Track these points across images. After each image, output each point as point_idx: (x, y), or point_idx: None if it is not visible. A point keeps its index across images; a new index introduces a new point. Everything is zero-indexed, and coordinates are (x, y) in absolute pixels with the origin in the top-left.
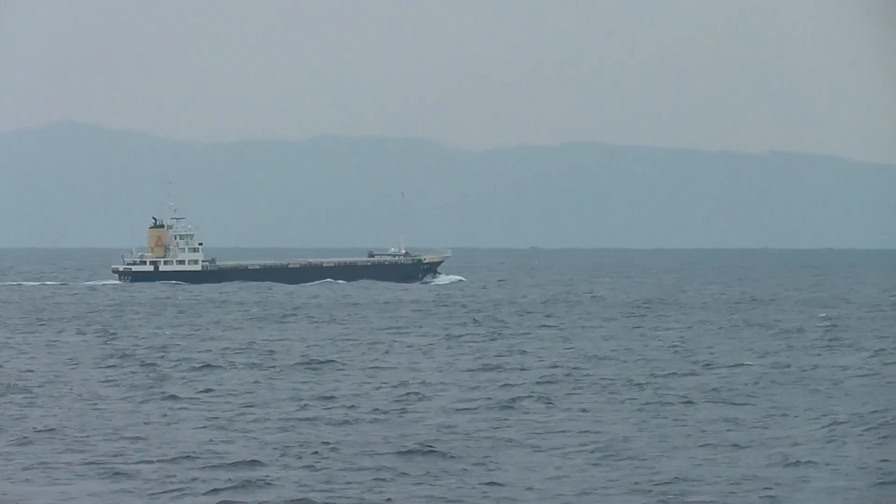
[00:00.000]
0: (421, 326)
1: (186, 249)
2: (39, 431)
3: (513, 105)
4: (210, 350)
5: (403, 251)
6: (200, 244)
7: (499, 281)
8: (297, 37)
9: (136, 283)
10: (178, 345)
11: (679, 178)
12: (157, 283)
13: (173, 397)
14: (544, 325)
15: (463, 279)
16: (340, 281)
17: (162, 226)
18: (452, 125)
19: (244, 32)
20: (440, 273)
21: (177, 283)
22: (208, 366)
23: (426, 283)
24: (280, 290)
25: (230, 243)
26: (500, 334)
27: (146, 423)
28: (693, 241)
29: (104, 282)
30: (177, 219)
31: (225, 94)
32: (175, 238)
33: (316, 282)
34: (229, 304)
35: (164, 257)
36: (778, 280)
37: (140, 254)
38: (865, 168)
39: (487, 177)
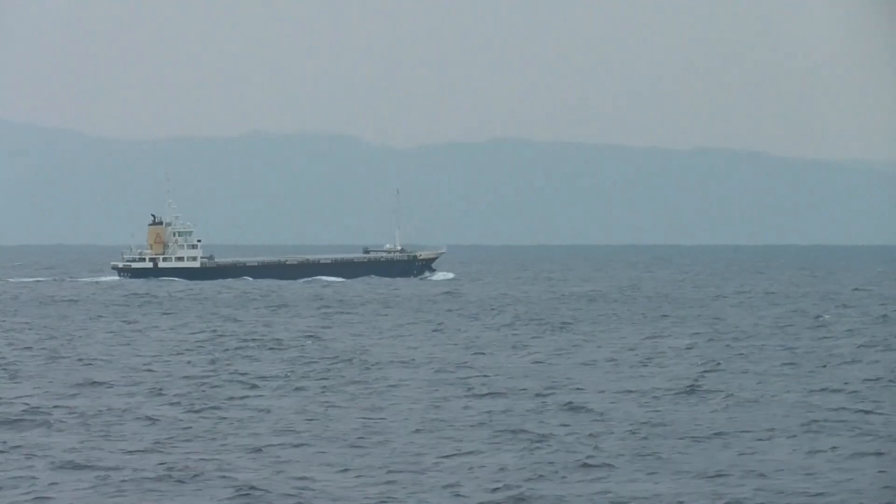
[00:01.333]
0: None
1: (185, 246)
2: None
3: (441, 102)
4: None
5: (399, 248)
6: (199, 241)
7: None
8: (228, 32)
9: (136, 280)
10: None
11: (605, 174)
12: (156, 279)
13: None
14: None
15: (454, 276)
16: (338, 278)
17: (161, 223)
18: (380, 122)
19: (173, 30)
20: (435, 269)
21: (176, 280)
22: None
23: (423, 279)
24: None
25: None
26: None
27: None
28: (618, 237)
29: (105, 278)
30: (176, 216)
31: (160, 90)
32: (174, 235)
33: (313, 278)
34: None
35: (163, 254)
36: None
37: (139, 251)
38: (787, 163)
39: (417, 174)
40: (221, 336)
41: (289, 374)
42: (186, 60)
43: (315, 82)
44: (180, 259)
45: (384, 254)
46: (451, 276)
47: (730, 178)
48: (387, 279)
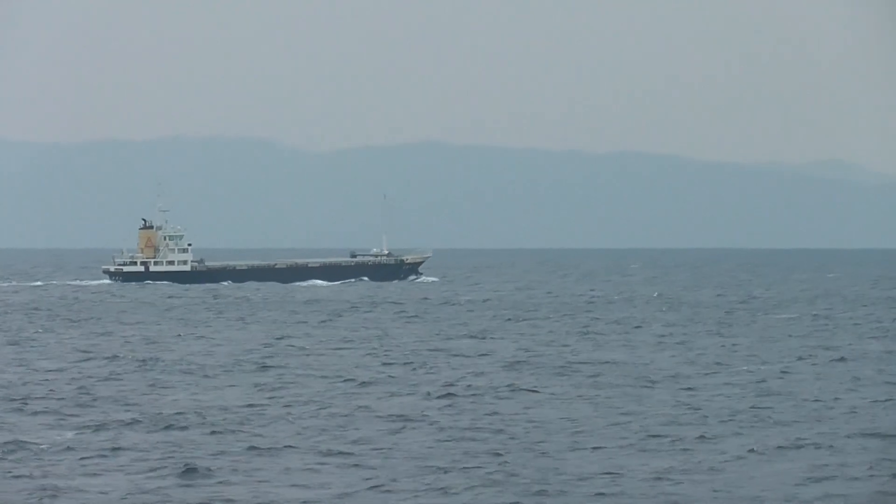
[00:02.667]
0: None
1: (176, 250)
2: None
3: (357, 105)
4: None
5: (386, 251)
6: (190, 245)
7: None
8: (146, 37)
9: (129, 283)
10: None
11: (525, 178)
12: (149, 283)
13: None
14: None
15: (436, 279)
16: (326, 281)
17: (151, 227)
18: (297, 125)
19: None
20: (422, 273)
21: (169, 284)
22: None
23: (410, 281)
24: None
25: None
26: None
27: None
28: (539, 241)
29: (97, 282)
30: (166, 220)
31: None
32: (165, 239)
33: (302, 282)
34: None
35: (154, 258)
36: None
37: (130, 254)
38: (703, 166)
39: (334, 177)
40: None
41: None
42: (107, 64)
43: (229, 86)
44: (171, 263)
45: (371, 258)
46: (435, 279)
47: (647, 181)
48: (375, 283)
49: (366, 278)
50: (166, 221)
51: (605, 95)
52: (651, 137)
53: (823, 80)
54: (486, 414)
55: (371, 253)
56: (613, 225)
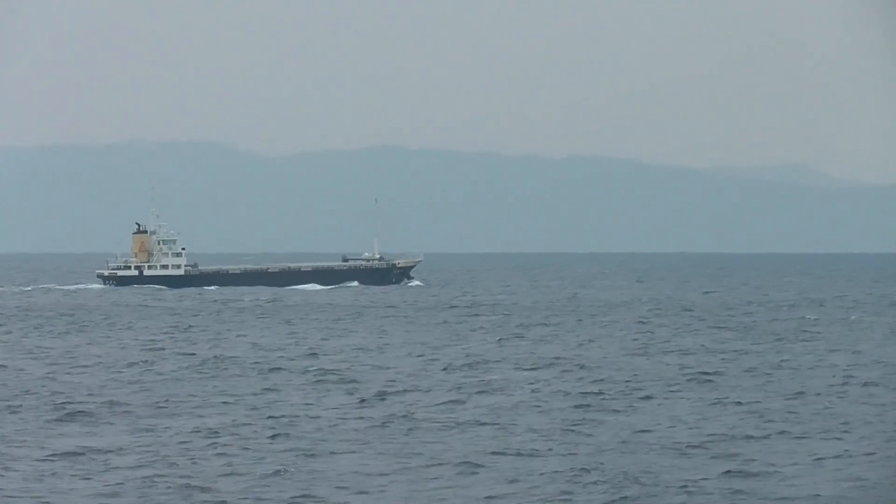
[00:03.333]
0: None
1: (170, 254)
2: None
3: (318, 109)
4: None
5: (378, 256)
6: (183, 249)
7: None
8: (107, 38)
9: (121, 288)
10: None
11: (480, 182)
12: (142, 287)
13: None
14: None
15: (421, 283)
16: (319, 285)
17: (145, 231)
18: (258, 129)
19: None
20: (413, 277)
21: (162, 288)
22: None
23: (402, 285)
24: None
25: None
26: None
27: None
28: (494, 245)
29: (90, 285)
30: (160, 224)
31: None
32: (158, 243)
33: (295, 286)
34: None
35: (148, 262)
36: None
37: (124, 259)
38: (658, 170)
39: (295, 182)
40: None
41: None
42: (63, 68)
43: (189, 90)
44: (165, 267)
45: (363, 262)
46: (419, 283)
47: (603, 185)
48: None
49: (355, 283)
50: (160, 226)
51: (561, 100)
52: (607, 142)
53: (787, 87)
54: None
55: (363, 257)
56: (570, 229)
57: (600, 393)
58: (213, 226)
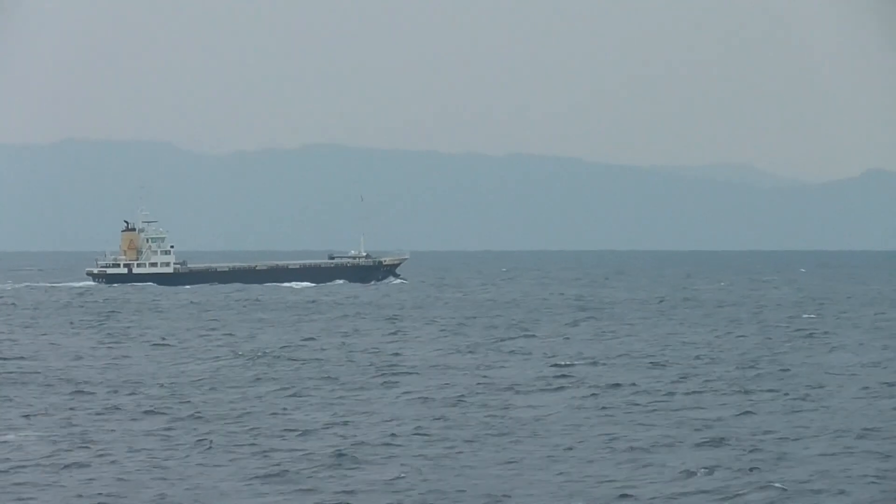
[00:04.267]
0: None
1: (159, 252)
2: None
3: (255, 108)
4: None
5: (364, 253)
6: (172, 247)
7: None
8: (46, 36)
9: (114, 285)
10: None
11: (423, 180)
12: (133, 284)
13: None
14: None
15: (406, 281)
16: (306, 283)
17: (134, 229)
18: (195, 128)
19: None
20: (399, 275)
21: (152, 286)
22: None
23: (386, 283)
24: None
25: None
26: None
27: None
28: (434, 242)
29: (80, 283)
30: (148, 222)
31: None
32: (147, 241)
33: (283, 283)
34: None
35: (137, 260)
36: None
37: (113, 256)
38: (601, 168)
39: (232, 180)
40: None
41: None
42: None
43: (124, 88)
44: (154, 265)
45: (349, 260)
46: (401, 281)
47: (545, 183)
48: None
49: (340, 281)
50: (148, 224)
51: (502, 98)
52: (550, 141)
53: (733, 89)
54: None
55: (349, 255)
56: (511, 227)
57: None
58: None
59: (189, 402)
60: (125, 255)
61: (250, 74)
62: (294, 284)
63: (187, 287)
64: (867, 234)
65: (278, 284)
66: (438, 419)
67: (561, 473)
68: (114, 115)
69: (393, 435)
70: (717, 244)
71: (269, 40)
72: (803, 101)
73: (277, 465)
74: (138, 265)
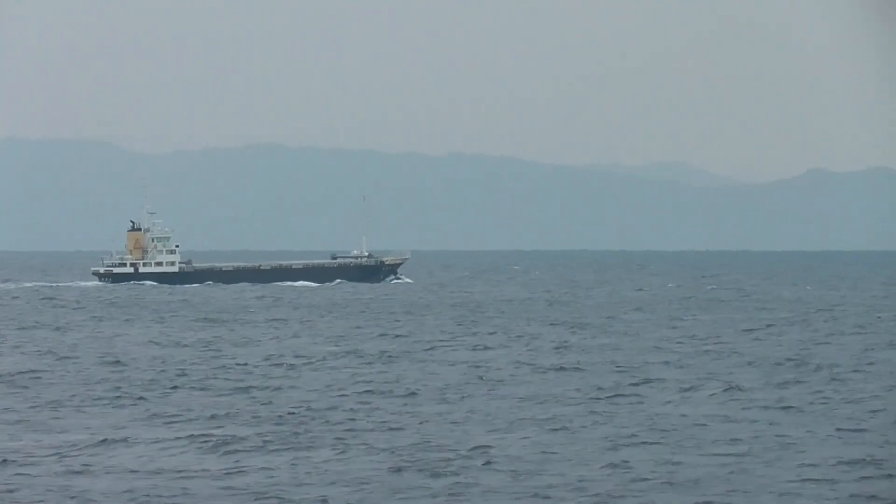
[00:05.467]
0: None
1: (164, 251)
2: None
3: (196, 107)
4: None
5: (367, 253)
6: (177, 246)
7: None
8: None
9: (118, 284)
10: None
11: (363, 179)
12: (140, 283)
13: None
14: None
15: (410, 281)
16: (309, 282)
17: (139, 229)
18: (135, 127)
19: None
20: (401, 275)
21: (156, 285)
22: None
23: (389, 282)
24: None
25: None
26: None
27: None
28: (377, 242)
29: (86, 283)
30: (154, 222)
31: None
32: (152, 240)
33: (287, 282)
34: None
35: (143, 259)
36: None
37: (119, 256)
38: (540, 168)
39: (173, 179)
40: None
41: None
42: None
43: (66, 87)
44: (159, 264)
45: (352, 259)
46: (408, 280)
47: (484, 182)
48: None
49: (339, 280)
50: (154, 223)
51: (442, 98)
52: (488, 140)
53: (669, 88)
54: None
55: (351, 255)
56: (451, 226)
57: None
58: (99, 224)
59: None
60: (131, 254)
61: (190, 74)
62: (299, 284)
63: (195, 285)
64: (807, 234)
65: (279, 283)
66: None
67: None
68: (55, 115)
69: None
70: (652, 244)
71: (207, 39)
72: (742, 101)
73: None
74: (144, 264)
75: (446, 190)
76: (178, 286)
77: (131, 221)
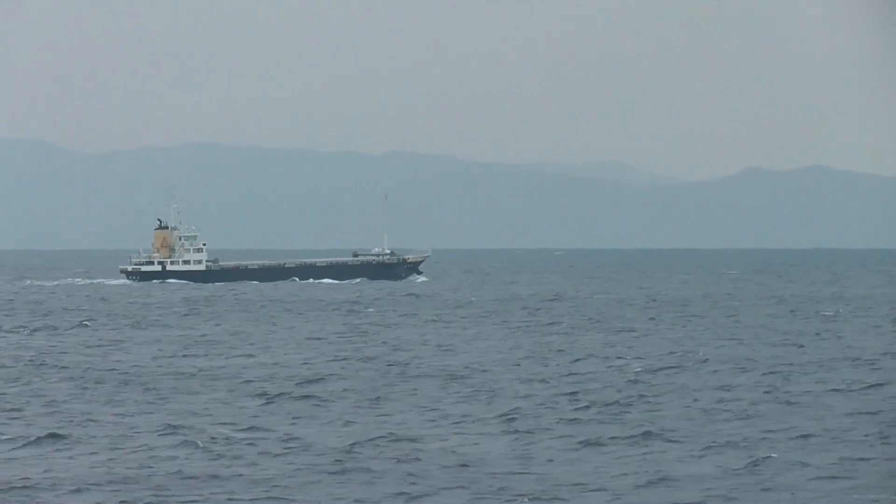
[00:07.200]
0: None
1: (191, 250)
2: None
3: (133, 106)
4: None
5: (388, 251)
6: (204, 244)
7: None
8: None
9: (146, 283)
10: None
11: (300, 178)
12: (167, 281)
13: None
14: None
15: (427, 279)
16: (332, 280)
17: (167, 227)
18: (72, 126)
19: None
20: (422, 272)
21: (185, 283)
22: None
23: (414, 280)
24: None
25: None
26: None
27: None
28: (311, 241)
29: (114, 281)
30: (180, 221)
31: None
32: (180, 239)
33: (312, 280)
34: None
35: (171, 258)
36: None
37: (147, 254)
38: (474, 166)
39: (109, 179)
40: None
41: None
42: None
43: (9, 86)
44: (187, 262)
45: (373, 257)
46: (426, 279)
47: (424, 181)
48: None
49: (358, 279)
50: (181, 222)
51: (379, 98)
52: (425, 139)
53: (605, 86)
54: None
55: (372, 252)
56: (391, 226)
57: None
58: (35, 224)
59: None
60: (158, 252)
61: (126, 72)
62: (324, 281)
63: (219, 284)
64: (744, 232)
65: (303, 281)
66: None
67: None
68: None
69: None
70: (592, 242)
71: (142, 38)
72: (679, 100)
73: None
74: (171, 263)
75: (386, 189)
76: (207, 284)
77: (158, 220)
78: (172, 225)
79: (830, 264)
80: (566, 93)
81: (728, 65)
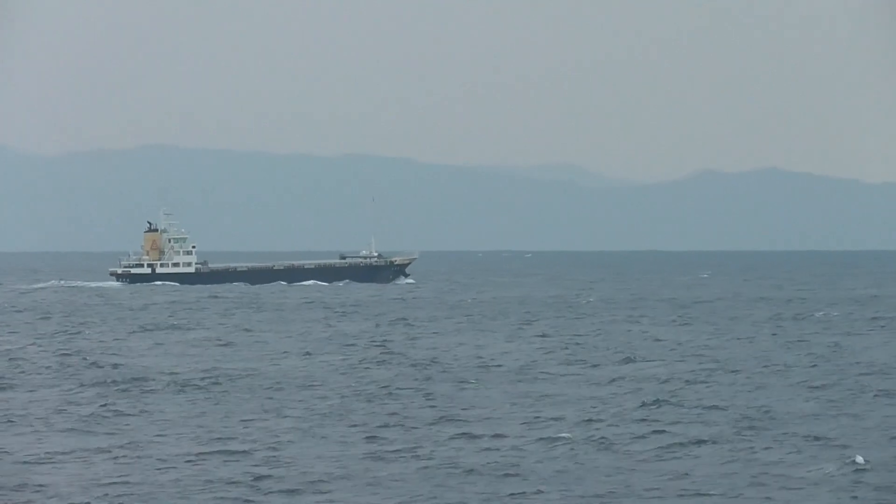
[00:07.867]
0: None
1: (181, 252)
2: None
3: (89, 107)
4: None
5: (376, 253)
6: (194, 247)
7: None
8: None
9: (136, 285)
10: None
11: (252, 180)
12: (155, 284)
13: None
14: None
15: (413, 281)
16: (320, 281)
17: (157, 230)
18: (29, 129)
19: None
20: (409, 274)
21: (175, 285)
22: None
23: (399, 283)
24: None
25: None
26: None
27: None
28: (267, 243)
29: (102, 283)
30: (170, 223)
31: None
32: (169, 241)
33: (300, 282)
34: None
35: (160, 260)
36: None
37: (136, 257)
38: (435, 169)
39: (63, 181)
40: None
41: None
42: None
43: None
44: (176, 265)
45: (361, 259)
46: (412, 281)
47: (378, 184)
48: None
49: (344, 281)
50: (170, 225)
51: (335, 100)
52: (383, 141)
53: (559, 89)
54: None
55: (360, 255)
56: (344, 228)
57: None
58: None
59: None
60: (148, 255)
61: (82, 74)
62: (310, 283)
63: (209, 286)
64: (697, 233)
65: (290, 283)
66: None
67: None
68: None
69: None
70: (545, 244)
71: (95, 40)
72: (632, 102)
73: None
74: (161, 265)
75: (340, 192)
76: (197, 286)
77: (148, 223)
78: (162, 227)
79: (778, 268)
80: (520, 96)
81: (681, 68)
